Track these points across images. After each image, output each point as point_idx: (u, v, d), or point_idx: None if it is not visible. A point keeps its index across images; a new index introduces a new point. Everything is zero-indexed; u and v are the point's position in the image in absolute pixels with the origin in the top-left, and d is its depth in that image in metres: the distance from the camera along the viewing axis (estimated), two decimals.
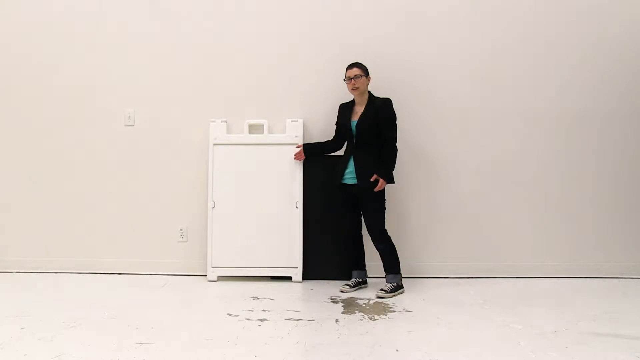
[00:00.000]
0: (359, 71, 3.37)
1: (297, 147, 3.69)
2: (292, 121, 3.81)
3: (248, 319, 2.81)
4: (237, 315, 2.88)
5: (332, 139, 3.64)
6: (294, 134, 3.77)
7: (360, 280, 3.52)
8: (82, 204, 3.93)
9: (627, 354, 2.34)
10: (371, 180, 3.29)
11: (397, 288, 3.36)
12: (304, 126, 3.83)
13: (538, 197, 3.90)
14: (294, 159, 3.70)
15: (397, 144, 3.37)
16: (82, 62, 3.92)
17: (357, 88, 3.37)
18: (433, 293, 3.41)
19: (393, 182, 3.40)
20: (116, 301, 3.16)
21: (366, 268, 3.59)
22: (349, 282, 3.49)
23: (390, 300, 3.21)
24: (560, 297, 3.34)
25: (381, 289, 3.33)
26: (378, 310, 3.02)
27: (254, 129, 3.86)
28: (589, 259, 3.89)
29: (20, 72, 3.94)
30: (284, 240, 3.71)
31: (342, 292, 3.40)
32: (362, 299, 3.26)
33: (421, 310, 3.01)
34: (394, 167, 3.37)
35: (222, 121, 3.83)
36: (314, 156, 3.67)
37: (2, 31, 3.95)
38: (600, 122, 3.91)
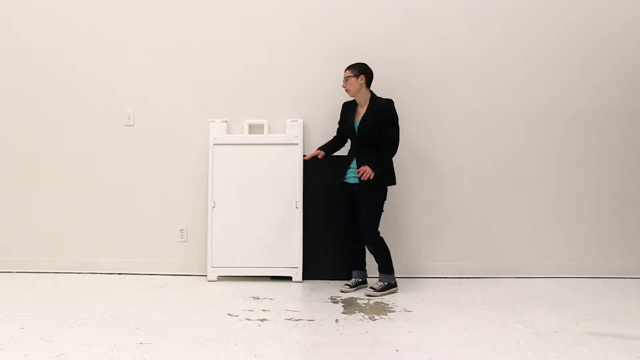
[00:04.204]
0: (348, 72, 3.38)
1: (312, 155, 3.59)
2: (292, 121, 3.81)
3: (248, 319, 2.82)
4: (237, 315, 2.88)
5: (334, 138, 3.63)
6: (294, 134, 3.77)
7: (360, 280, 3.52)
8: (82, 204, 3.93)
9: (627, 354, 2.35)
10: (358, 171, 3.24)
11: (388, 287, 3.36)
12: (304, 126, 3.83)
13: (538, 197, 3.90)
14: (306, 158, 3.61)
15: (398, 145, 3.34)
16: (82, 62, 3.92)
17: (348, 90, 3.39)
18: (433, 293, 3.41)
19: (394, 184, 3.39)
20: (116, 301, 3.16)
21: (366, 268, 3.59)
22: (349, 282, 3.49)
23: (391, 300, 3.21)
24: (560, 297, 3.34)
25: (370, 287, 3.35)
26: (378, 310, 3.02)
27: (254, 129, 3.86)
28: (589, 259, 3.89)
29: (20, 72, 3.94)
30: (284, 240, 3.71)
31: (342, 292, 3.41)
32: (362, 299, 3.26)
33: (421, 310, 3.01)
34: (387, 162, 3.31)
35: (222, 121, 3.83)
36: (328, 153, 3.61)
37: (1, 31, 3.95)
38: (601, 122, 3.91)
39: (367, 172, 3.20)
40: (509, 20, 3.88)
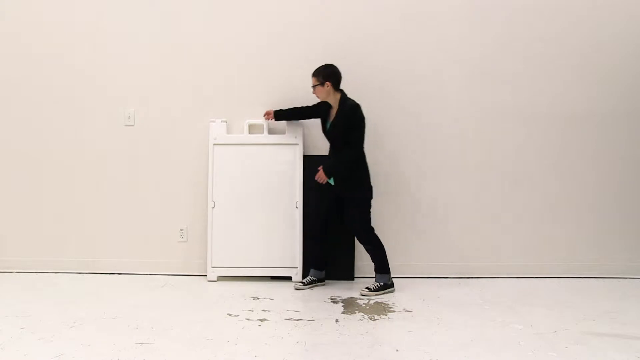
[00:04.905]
0: (314, 81, 3.43)
1: (267, 113, 3.69)
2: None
3: (248, 319, 2.82)
4: (237, 315, 2.88)
5: (305, 106, 3.64)
6: (294, 134, 3.77)
7: (316, 279, 3.54)
8: (82, 204, 3.92)
9: (627, 354, 2.35)
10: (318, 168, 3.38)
11: (384, 287, 3.37)
12: (304, 126, 3.83)
13: (538, 196, 3.90)
14: (264, 114, 3.71)
15: (361, 148, 3.36)
16: (82, 62, 3.92)
17: (317, 97, 3.47)
18: (433, 293, 3.41)
19: (368, 185, 3.40)
20: (116, 301, 3.16)
21: (325, 270, 3.59)
22: (304, 280, 3.53)
23: (391, 300, 3.22)
24: (560, 297, 3.34)
25: (366, 287, 3.36)
26: (378, 310, 3.02)
27: (254, 129, 3.86)
28: (589, 259, 3.89)
29: (20, 73, 3.93)
30: (284, 240, 3.71)
31: (295, 289, 3.45)
32: (362, 299, 3.26)
33: (421, 310, 3.01)
34: (344, 165, 3.35)
35: (222, 121, 3.83)
36: (285, 119, 3.70)
37: (1, 31, 3.95)
38: (600, 122, 3.91)
39: (320, 177, 3.36)
40: (508, 20, 3.87)
